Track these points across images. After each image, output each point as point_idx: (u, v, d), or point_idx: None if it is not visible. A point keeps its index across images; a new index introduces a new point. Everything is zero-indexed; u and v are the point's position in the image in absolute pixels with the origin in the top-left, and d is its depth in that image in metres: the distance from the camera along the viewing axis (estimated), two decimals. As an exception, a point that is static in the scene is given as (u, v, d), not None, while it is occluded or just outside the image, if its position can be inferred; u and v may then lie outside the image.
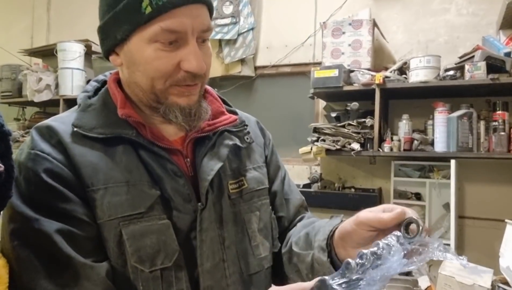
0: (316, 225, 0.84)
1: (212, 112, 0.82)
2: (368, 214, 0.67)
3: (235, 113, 0.88)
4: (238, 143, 0.84)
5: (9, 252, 0.66)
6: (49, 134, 0.71)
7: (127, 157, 0.72)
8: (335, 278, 0.52)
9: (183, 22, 0.68)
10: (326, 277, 0.51)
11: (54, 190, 0.67)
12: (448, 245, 2.15)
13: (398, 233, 0.58)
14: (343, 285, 0.51)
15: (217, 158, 0.79)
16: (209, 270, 0.74)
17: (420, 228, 0.58)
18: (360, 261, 0.53)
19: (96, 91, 0.81)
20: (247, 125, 0.88)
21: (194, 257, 0.73)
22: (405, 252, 0.56)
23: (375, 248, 0.55)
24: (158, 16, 0.67)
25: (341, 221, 0.76)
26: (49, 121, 0.74)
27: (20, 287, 0.64)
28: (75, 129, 0.72)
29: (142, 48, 0.69)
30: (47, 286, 0.63)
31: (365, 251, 0.54)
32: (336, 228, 0.75)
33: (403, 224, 0.61)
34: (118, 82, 0.80)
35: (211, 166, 0.77)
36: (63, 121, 0.74)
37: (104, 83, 0.82)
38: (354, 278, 0.52)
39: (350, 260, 0.53)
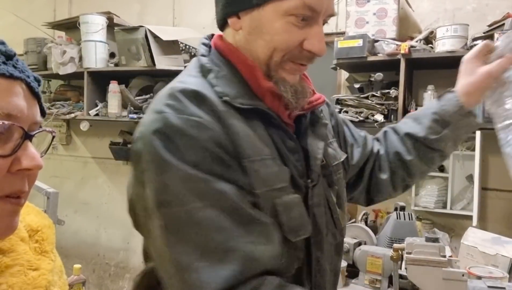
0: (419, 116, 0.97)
1: None
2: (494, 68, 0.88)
3: None
4: (327, 122, 0.87)
5: (186, 214, 0.63)
6: (201, 101, 0.68)
7: (260, 130, 0.73)
8: None
9: (322, 2, 0.70)
10: None
11: (220, 158, 0.66)
12: (471, 216, 2.15)
13: None
14: None
15: (317, 136, 0.82)
16: (318, 241, 0.78)
17: None
18: None
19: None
20: (330, 106, 0.93)
21: None
22: None
23: None
24: None
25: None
26: (189, 86, 0.70)
27: (212, 248, 0.63)
28: (224, 98, 0.70)
29: (274, 18, 0.69)
30: (245, 243, 0.63)
31: None
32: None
33: None
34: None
35: (317, 144, 0.80)
36: (203, 87, 0.70)
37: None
38: None
39: None
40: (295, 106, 0.76)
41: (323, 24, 0.74)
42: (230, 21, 0.74)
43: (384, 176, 0.96)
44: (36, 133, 0.56)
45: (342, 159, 0.91)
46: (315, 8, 0.69)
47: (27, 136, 0.53)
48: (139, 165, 0.67)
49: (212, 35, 0.82)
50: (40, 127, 0.57)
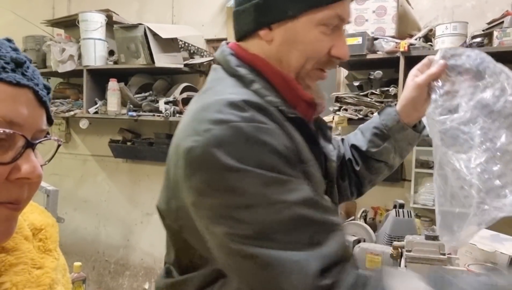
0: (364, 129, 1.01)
1: None
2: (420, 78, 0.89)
3: None
4: (331, 125, 0.94)
5: (272, 215, 0.63)
6: (263, 110, 0.70)
7: (300, 137, 0.76)
8: None
9: (348, 12, 0.77)
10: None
11: (291, 163, 0.67)
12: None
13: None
14: None
15: (327, 139, 0.87)
16: None
17: None
18: None
19: None
20: None
21: None
22: None
23: None
24: (337, 2, 0.73)
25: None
26: (246, 97, 0.70)
27: (305, 240, 0.63)
28: (280, 107, 0.74)
29: (308, 28, 0.74)
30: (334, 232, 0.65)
31: None
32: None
33: None
34: None
35: (329, 147, 0.86)
36: (255, 98, 0.72)
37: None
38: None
39: None
40: (317, 110, 0.81)
41: None
42: (261, 33, 0.76)
43: (345, 181, 1.01)
44: (39, 142, 0.55)
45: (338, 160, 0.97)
46: (344, 17, 0.75)
47: (29, 145, 0.53)
48: (200, 175, 0.65)
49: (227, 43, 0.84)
50: (48, 134, 0.57)
